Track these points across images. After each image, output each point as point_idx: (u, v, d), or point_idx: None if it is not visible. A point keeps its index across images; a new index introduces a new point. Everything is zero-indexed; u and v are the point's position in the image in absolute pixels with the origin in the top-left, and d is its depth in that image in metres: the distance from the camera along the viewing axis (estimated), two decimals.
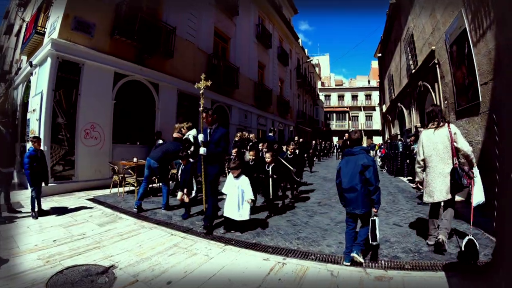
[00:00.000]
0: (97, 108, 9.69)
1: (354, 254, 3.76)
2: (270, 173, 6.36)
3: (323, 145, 28.61)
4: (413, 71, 14.08)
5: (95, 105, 9.63)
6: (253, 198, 5.15)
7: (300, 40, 33.04)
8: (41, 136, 8.25)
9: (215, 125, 5.50)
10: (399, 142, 13.73)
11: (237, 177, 5.21)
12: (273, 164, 6.43)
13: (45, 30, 9.84)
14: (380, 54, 26.79)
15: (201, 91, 6.00)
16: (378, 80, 33.25)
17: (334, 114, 49.25)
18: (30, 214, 6.02)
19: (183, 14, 13.55)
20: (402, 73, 17.49)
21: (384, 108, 26.81)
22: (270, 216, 6.21)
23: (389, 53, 22.74)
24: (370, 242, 3.79)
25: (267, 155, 6.48)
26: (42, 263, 3.82)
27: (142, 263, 3.92)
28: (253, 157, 6.80)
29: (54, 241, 4.66)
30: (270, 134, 11.75)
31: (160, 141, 10.04)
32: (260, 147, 9.45)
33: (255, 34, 21.24)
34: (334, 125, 48.88)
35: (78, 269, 3.67)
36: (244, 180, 5.18)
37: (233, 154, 8.08)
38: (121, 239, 4.83)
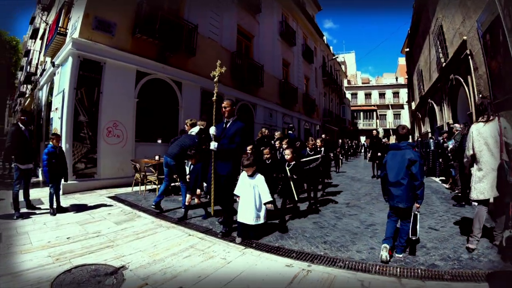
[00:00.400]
0: (119, 106, 9.64)
1: (397, 255, 3.83)
2: (289, 173, 5.50)
3: (350, 144, 27.60)
4: (444, 64, 13.31)
5: (118, 103, 9.59)
6: (271, 199, 4.49)
7: (324, 37, 32.31)
8: (63, 134, 8.32)
9: (232, 118, 4.89)
10: (431, 140, 13.08)
11: (251, 175, 4.55)
12: (294, 162, 5.65)
13: (67, 31, 9.95)
14: (407, 49, 25.61)
15: (215, 79, 5.37)
16: (406, 77, 31.89)
17: (361, 113, 47.84)
18: (48, 211, 5.91)
19: (205, 12, 13.37)
20: (432, 67, 16.52)
21: (414, 106, 25.62)
22: (284, 221, 5.36)
23: (417, 47, 21.69)
24: (410, 236, 3.75)
25: (287, 151, 5.67)
26: (52, 261, 3.66)
27: (154, 265, 3.63)
28: (268, 155, 6.09)
29: (67, 238, 4.51)
30: (290, 132, 11.19)
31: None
32: (277, 145, 8.62)
33: (279, 32, 20.80)
34: (362, 124, 47.46)
35: (87, 269, 3.48)
36: (260, 179, 4.52)
37: (247, 151, 7.30)
38: (136, 238, 4.57)
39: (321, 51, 30.83)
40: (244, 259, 3.82)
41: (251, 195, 4.44)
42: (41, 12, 12.50)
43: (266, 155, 6.13)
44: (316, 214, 6.15)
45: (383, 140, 13.96)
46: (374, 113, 47.37)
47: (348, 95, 47.28)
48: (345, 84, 47.36)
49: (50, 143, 6.06)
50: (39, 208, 6.24)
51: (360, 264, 3.68)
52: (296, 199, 5.51)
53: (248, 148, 7.31)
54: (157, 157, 8.66)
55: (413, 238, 3.76)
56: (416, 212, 3.76)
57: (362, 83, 51.46)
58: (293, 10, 23.02)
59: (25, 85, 20.28)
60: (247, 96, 16.14)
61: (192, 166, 5.91)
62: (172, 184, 7.84)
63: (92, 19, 9.02)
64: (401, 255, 3.81)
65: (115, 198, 7.43)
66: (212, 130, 4.75)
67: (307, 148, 7.09)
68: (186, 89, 12.00)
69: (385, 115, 47.94)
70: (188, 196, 5.68)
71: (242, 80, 15.33)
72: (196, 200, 5.76)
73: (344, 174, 13.88)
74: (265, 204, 4.40)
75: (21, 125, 6.08)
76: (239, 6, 15.98)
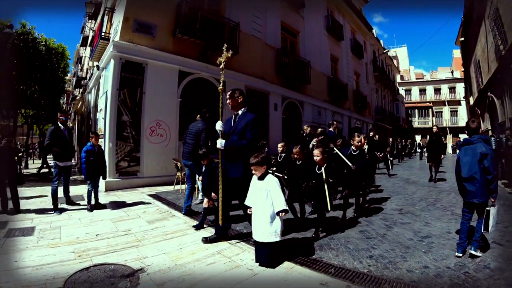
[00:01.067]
0: (162, 106, 9.66)
1: (472, 251, 3.59)
2: (324, 176, 4.38)
3: (403, 143, 25.49)
4: (503, 51, 11.70)
5: (160, 103, 9.61)
6: (285, 208, 3.40)
7: (374, 31, 30.59)
8: (106, 134, 8.51)
9: (242, 110, 4.18)
10: (492, 139, 11.60)
11: (261, 177, 3.54)
12: (325, 164, 4.49)
13: (110, 35, 10.30)
14: (462, 39, 23.00)
15: (221, 66, 4.59)
16: (463, 70, 28.99)
17: (416, 110, 44.30)
18: (86, 207, 5.86)
19: (247, 10, 13.07)
20: (490, 56, 14.60)
21: (472, 101, 23.15)
22: (318, 237, 4.38)
23: (472, 36, 19.42)
24: (482, 231, 3.67)
25: (316, 151, 4.56)
26: (74, 257, 3.52)
27: (174, 270, 3.24)
28: (298, 156, 5.08)
29: (96, 235, 4.34)
30: (330, 129, 10.17)
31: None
32: (314, 143, 7.50)
33: (325, 26, 19.87)
34: (417, 122, 44.03)
35: (105, 268, 3.25)
36: (272, 182, 3.49)
37: (278, 148, 6.27)
38: (163, 239, 4.23)
39: (371, 45, 29.19)
40: (273, 272, 3.21)
41: (263, 203, 3.45)
42: (88, 20, 13.04)
43: (295, 155, 5.13)
44: (364, 221, 5.36)
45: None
46: (430, 110, 43.61)
47: (401, 91, 44.05)
48: (398, 80, 44.48)
49: (89, 141, 6.08)
50: (79, 204, 6.22)
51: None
52: (329, 209, 4.35)
53: (295, 149, 6.49)
54: None
55: (485, 233, 3.72)
56: (490, 208, 3.63)
57: (416, 78, 48.03)
58: (339, 4, 21.92)
59: (77, 89, 21.47)
60: (294, 94, 15.51)
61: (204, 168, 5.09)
62: None
63: (132, 22, 9.20)
64: (477, 253, 3.56)
65: (155, 196, 7.24)
66: (219, 126, 4.02)
67: (352, 147, 5.92)
68: (230, 88, 11.52)
69: (441, 112, 43.97)
70: (205, 200, 4.84)
71: (288, 77, 14.75)
72: (205, 203, 4.80)
73: (398, 176, 12.48)
74: (278, 213, 3.38)
75: (60, 125, 6.21)
76: (282, 2, 15.45)
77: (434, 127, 11.16)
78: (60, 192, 5.97)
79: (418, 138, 38.68)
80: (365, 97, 25.24)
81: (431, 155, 10.41)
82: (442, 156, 10.30)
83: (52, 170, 6.08)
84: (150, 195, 7.33)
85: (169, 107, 9.87)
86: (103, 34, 10.57)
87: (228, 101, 4.26)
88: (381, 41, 33.45)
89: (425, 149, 13.02)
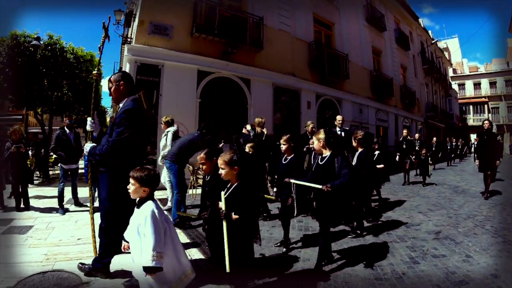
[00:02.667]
0: (180, 108, 9.12)
1: None
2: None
3: (454, 144, 22.04)
4: None
5: (178, 104, 9.13)
6: (152, 266, 2.11)
7: (421, 20, 28.16)
8: None
9: (123, 102, 3.03)
10: None
11: (140, 202, 2.39)
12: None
13: (130, 39, 10.32)
14: None
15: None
16: None
17: (471, 106, 39.56)
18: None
19: (272, 4, 12.20)
20: None
21: None
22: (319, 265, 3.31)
23: None
24: None
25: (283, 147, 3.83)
26: (42, 259, 3.47)
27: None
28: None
29: (78, 239, 4.24)
30: (345, 128, 8.43)
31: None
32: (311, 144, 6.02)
33: (365, 17, 18.32)
34: (472, 119, 39.17)
35: (59, 275, 3.08)
36: (146, 212, 2.27)
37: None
38: None
39: (418, 36, 26.73)
40: None
41: (135, 242, 2.33)
42: (117, 27, 13.25)
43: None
44: (383, 249, 4.05)
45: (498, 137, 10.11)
46: (485, 106, 38.74)
47: (454, 86, 39.93)
48: (450, 73, 40.58)
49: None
50: (86, 206, 6.15)
51: None
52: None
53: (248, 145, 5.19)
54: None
55: None
56: None
57: (470, 71, 43.72)
58: None
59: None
60: (330, 90, 14.22)
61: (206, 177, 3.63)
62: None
63: (147, 25, 9.09)
64: None
65: (163, 200, 6.60)
66: (89, 125, 3.16)
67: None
68: (256, 86, 10.87)
69: (498, 108, 38.78)
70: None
71: (322, 72, 13.50)
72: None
73: (445, 184, 10.33)
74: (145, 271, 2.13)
75: (66, 129, 6.44)
76: None
77: (486, 122, 7.74)
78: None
79: (473, 137, 34.72)
80: (414, 93, 22.97)
81: (484, 162, 7.52)
82: (498, 162, 7.38)
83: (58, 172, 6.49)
84: (159, 199, 6.58)
85: (187, 109, 9.37)
86: (123, 39, 10.77)
87: (112, 88, 3.08)
88: (430, 31, 30.69)
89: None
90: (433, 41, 27.86)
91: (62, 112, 14.50)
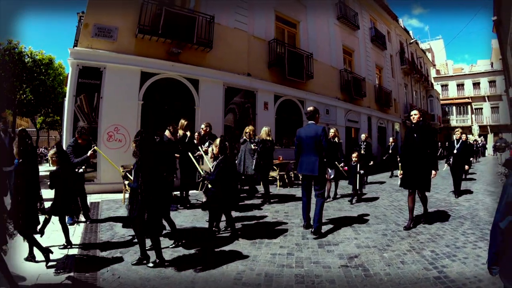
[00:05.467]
0: (121, 110, 9.45)
1: None
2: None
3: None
4: None
5: (119, 107, 9.42)
6: None
7: (401, 21, 28.60)
8: (63, 140, 8.82)
9: None
10: None
11: None
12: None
13: None
14: (495, 18, 19.89)
15: None
16: (500, 57, 25.66)
17: (454, 107, 41.34)
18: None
19: (228, 1, 12.49)
20: None
21: (511, 93, 20.38)
22: None
23: (506, 8, 16.88)
24: None
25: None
26: None
27: None
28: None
29: None
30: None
31: None
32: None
33: (336, 15, 18.66)
34: (455, 120, 40.99)
35: None
36: None
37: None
38: None
39: (397, 36, 27.28)
40: None
41: None
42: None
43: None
44: None
45: (465, 138, 9.88)
46: (469, 106, 40.60)
47: (437, 86, 41.53)
48: (433, 74, 41.95)
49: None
50: None
51: None
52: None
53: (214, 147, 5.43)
54: None
55: None
56: None
57: (454, 72, 44.68)
58: None
59: None
60: (291, 91, 14.58)
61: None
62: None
63: (91, 27, 9.30)
64: None
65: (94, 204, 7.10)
66: None
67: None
68: (205, 86, 11.13)
69: (481, 109, 40.61)
70: None
71: (282, 72, 13.75)
72: None
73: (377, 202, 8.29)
74: None
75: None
76: None
77: (415, 113, 5.59)
78: None
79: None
80: (389, 93, 23.42)
81: (410, 173, 5.49)
82: (434, 173, 5.35)
83: None
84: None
85: (129, 111, 9.62)
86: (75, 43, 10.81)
87: None
88: (411, 32, 31.16)
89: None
90: (411, 41, 28.20)
91: (27, 114, 15.07)
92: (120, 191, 8.24)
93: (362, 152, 10.79)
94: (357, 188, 7.88)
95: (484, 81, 40.46)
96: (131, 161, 8.46)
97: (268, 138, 8.02)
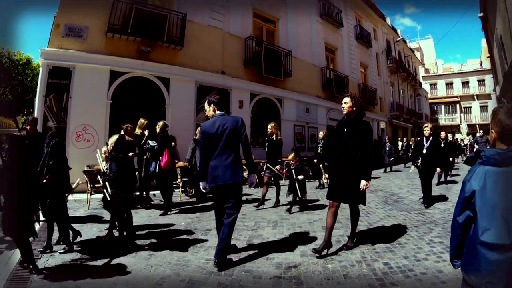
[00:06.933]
0: (90, 110, 9.76)
1: None
2: None
3: (405, 143, 20.28)
4: None
5: (88, 107, 9.73)
6: None
7: (388, 19, 28.98)
8: None
9: None
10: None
11: None
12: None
13: None
14: (481, 14, 19.92)
15: None
16: (488, 55, 26.16)
17: (442, 106, 42.73)
18: None
19: None
20: None
21: (498, 90, 20.82)
22: None
23: (491, 4, 17.13)
24: None
25: None
26: None
27: None
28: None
29: None
30: None
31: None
32: None
33: (319, 12, 18.97)
34: (443, 119, 42.39)
35: None
36: None
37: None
38: None
39: (383, 34, 27.77)
40: None
41: None
42: None
43: None
44: None
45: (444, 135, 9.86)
46: (457, 105, 41.89)
47: (426, 85, 42.90)
48: (423, 73, 43.42)
49: None
50: None
51: None
52: None
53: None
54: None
55: None
56: None
57: (443, 71, 45.63)
58: None
59: None
60: (268, 89, 14.91)
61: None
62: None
63: (62, 27, 9.57)
64: None
65: None
66: None
67: None
68: (176, 85, 11.45)
69: (470, 107, 42.05)
70: None
71: (259, 70, 14.07)
72: None
73: (384, 188, 9.85)
74: None
75: None
76: None
77: (346, 100, 4.45)
78: None
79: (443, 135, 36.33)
80: (374, 91, 23.80)
81: (339, 186, 4.40)
82: (366, 183, 4.21)
83: None
84: None
85: (97, 111, 9.94)
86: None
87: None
88: (399, 30, 31.59)
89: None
90: (398, 39, 28.62)
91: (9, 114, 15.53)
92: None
93: (319, 151, 10.35)
94: (298, 195, 6.75)
95: (473, 80, 41.62)
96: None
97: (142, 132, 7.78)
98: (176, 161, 7.94)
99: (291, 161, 7.02)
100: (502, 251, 1.67)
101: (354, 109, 4.27)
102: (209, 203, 7.46)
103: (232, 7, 13.72)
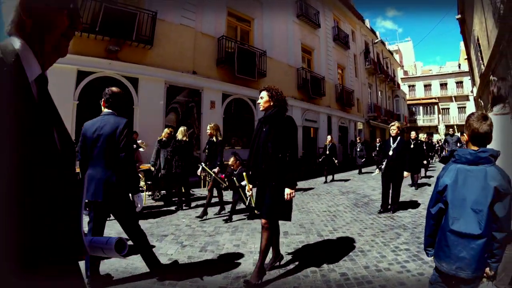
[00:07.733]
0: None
1: None
2: None
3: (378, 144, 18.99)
4: (502, 9, 8.94)
5: None
6: None
7: (367, 21, 29.55)
8: None
9: None
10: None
11: None
12: None
13: None
14: (459, 16, 20.43)
15: None
16: (466, 57, 26.97)
17: (421, 107, 44.29)
18: None
19: None
20: (489, 24, 13.00)
21: (475, 92, 21.52)
22: None
23: (469, 7, 17.61)
24: None
25: None
26: None
27: None
28: None
29: None
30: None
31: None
32: None
33: (295, 13, 19.29)
34: (422, 120, 43.98)
35: None
36: None
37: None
38: None
39: (362, 36, 28.37)
40: None
41: None
42: None
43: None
44: None
45: (415, 136, 10.01)
46: (436, 106, 43.56)
47: (405, 87, 44.73)
48: (401, 75, 45.14)
49: None
50: None
51: None
52: None
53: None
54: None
55: None
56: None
57: (422, 73, 47.16)
58: None
59: None
60: (240, 89, 15.13)
61: None
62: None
63: None
64: None
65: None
66: None
67: None
68: (145, 85, 11.48)
69: (448, 109, 43.78)
70: None
71: (231, 70, 14.23)
72: None
73: (356, 190, 10.16)
74: None
75: None
76: None
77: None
78: None
79: (422, 136, 37.22)
80: (351, 93, 24.27)
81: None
82: (289, 193, 3.44)
83: None
84: None
85: (63, 112, 9.24)
86: None
87: None
88: (378, 32, 32.19)
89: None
90: (376, 41, 29.19)
91: None
92: None
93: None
94: (245, 202, 6.23)
95: (451, 82, 43.23)
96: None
97: (184, 138, 7.60)
98: (137, 164, 8.01)
99: (232, 166, 6.50)
100: (471, 240, 2.00)
101: (271, 103, 3.64)
102: (173, 208, 7.59)
103: (205, 5, 13.82)
